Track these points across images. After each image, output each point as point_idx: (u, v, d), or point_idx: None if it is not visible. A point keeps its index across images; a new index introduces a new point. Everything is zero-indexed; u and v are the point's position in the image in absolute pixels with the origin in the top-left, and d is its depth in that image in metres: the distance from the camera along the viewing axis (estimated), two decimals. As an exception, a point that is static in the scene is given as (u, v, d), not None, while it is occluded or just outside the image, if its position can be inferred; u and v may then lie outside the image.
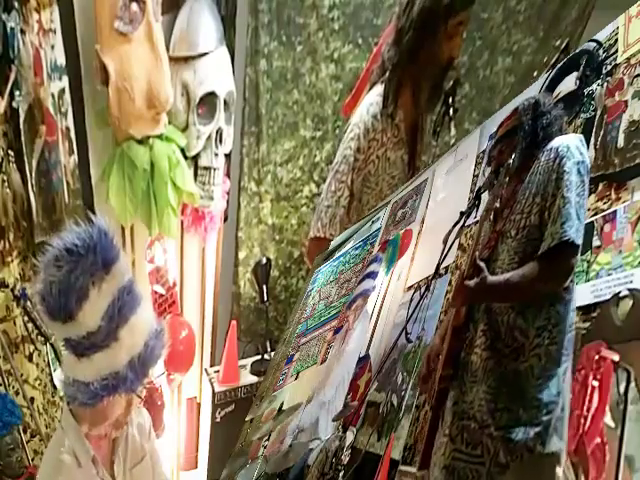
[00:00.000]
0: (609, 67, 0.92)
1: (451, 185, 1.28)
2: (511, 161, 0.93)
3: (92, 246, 1.09)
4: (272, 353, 2.45)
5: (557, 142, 0.89)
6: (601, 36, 0.97)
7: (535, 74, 2.50)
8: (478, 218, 1.01)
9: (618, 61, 0.90)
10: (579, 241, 0.79)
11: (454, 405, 0.83)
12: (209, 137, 2.17)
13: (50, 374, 1.81)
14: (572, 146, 0.85)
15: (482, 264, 0.87)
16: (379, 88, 1.92)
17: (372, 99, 1.92)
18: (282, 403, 1.43)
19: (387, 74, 1.89)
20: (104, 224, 1.14)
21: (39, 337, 1.72)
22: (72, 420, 1.24)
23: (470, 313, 0.88)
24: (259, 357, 2.61)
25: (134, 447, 1.37)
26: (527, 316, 0.78)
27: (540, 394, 0.72)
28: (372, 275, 1.38)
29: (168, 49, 2.03)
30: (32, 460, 1.65)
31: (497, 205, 0.95)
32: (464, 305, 0.90)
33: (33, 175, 1.65)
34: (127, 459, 1.36)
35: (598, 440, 0.65)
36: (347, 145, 1.91)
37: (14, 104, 1.56)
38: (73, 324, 1.11)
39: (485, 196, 1.02)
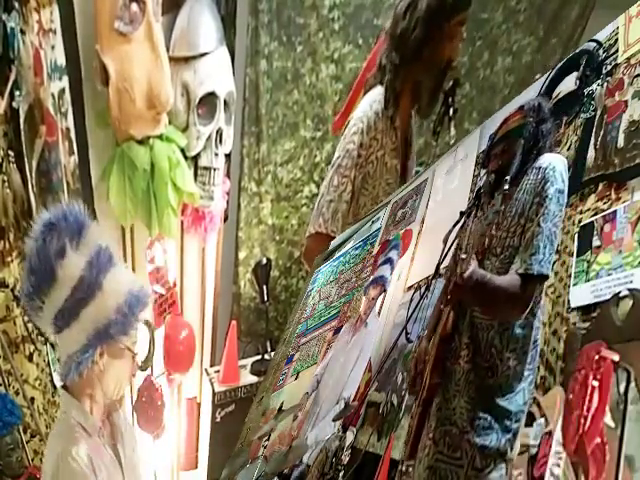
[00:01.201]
0: (609, 67, 0.91)
1: (451, 185, 1.28)
2: (514, 168, 0.94)
3: (62, 215, 1.19)
4: (272, 353, 2.45)
5: (545, 162, 0.90)
6: (601, 36, 0.97)
7: (537, 77, 2.51)
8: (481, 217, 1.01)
9: (618, 61, 0.90)
10: (545, 272, 0.82)
11: (438, 411, 0.88)
12: (209, 137, 2.17)
13: (50, 374, 1.81)
14: (557, 171, 0.88)
15: (474, 258, 0.89)
16: (380, 88, 1.92)
17: (374, 97, 1.91)
18: (282, 403, 1.43)
19: (387, 76, 1.88)
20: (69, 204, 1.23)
21: (39, 337, 1.72)
22: (72, 399, 1.28)
23: (456, 324, 0.92)
24: (259, 357, 2.62)
25: (127, 436, 1.40)
26: (503, 338, 0.84)
27: (510, 406, 0.79)
28: (390, 261, 1.37)
29: (168, 49, 2.03)
30: (32, 460, 1.65)
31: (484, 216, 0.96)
32: (458, 299, 0.92)
33: (33, 175, 1.65)
34: (124, 447, 1.38)
35: (598, 440, 0.65)
36: (350, 139, 1.89)
37: (14, 104, 1.56)
38: (56, 286, 1.19)
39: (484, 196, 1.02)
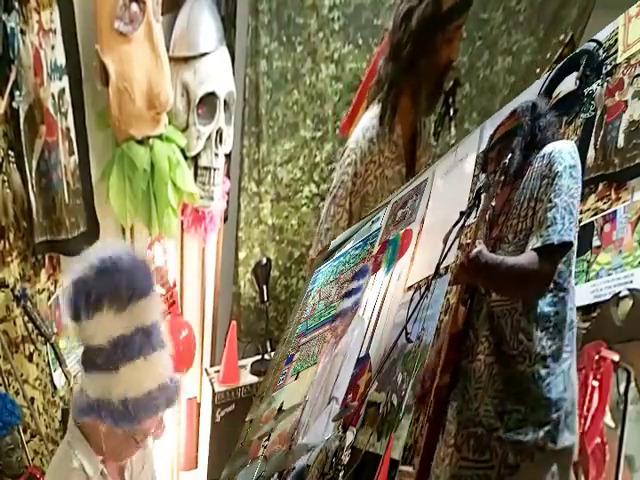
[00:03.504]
0: (609, 67, 0.92)
1: (451, 185, 1.28)
2: (507, 161, 0.94)
3: (122, 269, 1.09)
4: (272, 353, 2.45)
5: (550, 148, 0.90)
6: (601, 36, 0.97)
7: (538, 71, 2.51)
8: (477, 219, 1.01)
9: (618, 61, 0.90)
10: (567, 238, 0.80)
11: (458, 414, 0.83)
12: (209, 137, 2.17)
13: (50, 374, 1.80)
14: (564, 151, 0.87)
15: (480, 242, 0.88)
16: (375, 110, 1.92)
17: (368, 123, 1.93)
18: (282, 403, 1.43)
19: (385, 89, 1.89)
20: (147, 261, 1.16)
21: (39, 337, 1.72)
22: (79, 434, 1.23)
23: (469, 320, 0.89)
24: (259, 357, 2.62)
25: (136, 456, 1.37)
26: (530, 318, 0.79)
27: (549, 393, 0.73)
28: (353, 292, 1.40)
29: (168, 49, 2.03)
30: (32, 460, 1.65)
31: (492, 211, 0.96)
32: (464, 282, 0.90)
33: (33, 175, 1.65)
34: (133, 467, 1.36)
35: (598, 440, 0.65)
36: (344, 170, 1.93)
37: (14, 104, 1.56)
38: (79, 328, 1.12)
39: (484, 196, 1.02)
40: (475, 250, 0.86)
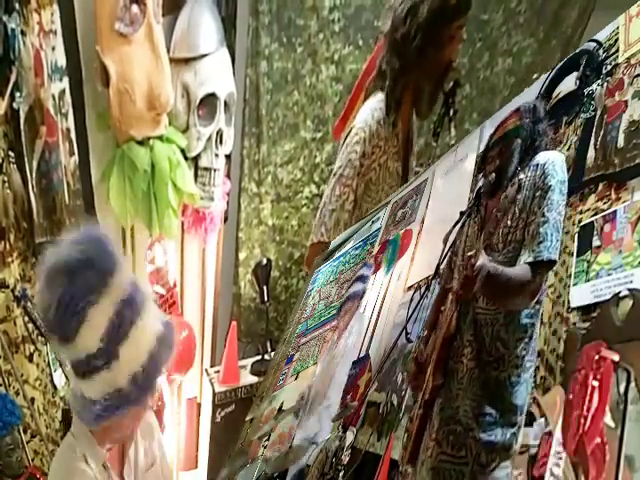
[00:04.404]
0: (609, 67, 0.92)
1: (451, 185, 1.28)
2: (512, 168, 0.95)
3: (89, 261, 1.05)
4: (272, 353, 2.45)
5: (543, 159, 0.91)
6: (601, 36, 0.97)
7: (535, 76, 2.52)
8: (476, 219, 1.02)
9: (618, 61, 0.90)
10: (554, 257, 0.84)
11: (441, 411, 0.88)
12: (209, 138, 2.18)
13: (50, 374, 1.81)
14: (557, 165, 0.89)
15: (483, 253, 0.89)
16: (380, 95, 1.92)
17: (375, 105, 1.91)
18: (282, 403, 1.43)
19: (388, 82, 1.88)
20: (102, 232, 1.10)
21: (39, 337, 1.72)
22: (84, 427, 1.22)
23: (458, 323, 0.92)
24: (259, 357, 2.62)
25: (144, 450, 1.37)
26: (509, 329, 0.84)
27: (515, 400, 0.79)
28: (361, 279, 1.39)
29: (169, 50, 2.03)
30: (32, 460, 1.65)
31: (484, 216, 0.97)
32: (470, 292, 0.91)
33: (33, 176, 1.66)
34: (138, 461, 1.36)
35: (598, 440, 0.65)
36: (352, 149, 1.88)
37: (15, 105, 1.56)
38: (71, 346, 1.08)
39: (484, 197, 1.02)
40: (479, 263, 0.88)
